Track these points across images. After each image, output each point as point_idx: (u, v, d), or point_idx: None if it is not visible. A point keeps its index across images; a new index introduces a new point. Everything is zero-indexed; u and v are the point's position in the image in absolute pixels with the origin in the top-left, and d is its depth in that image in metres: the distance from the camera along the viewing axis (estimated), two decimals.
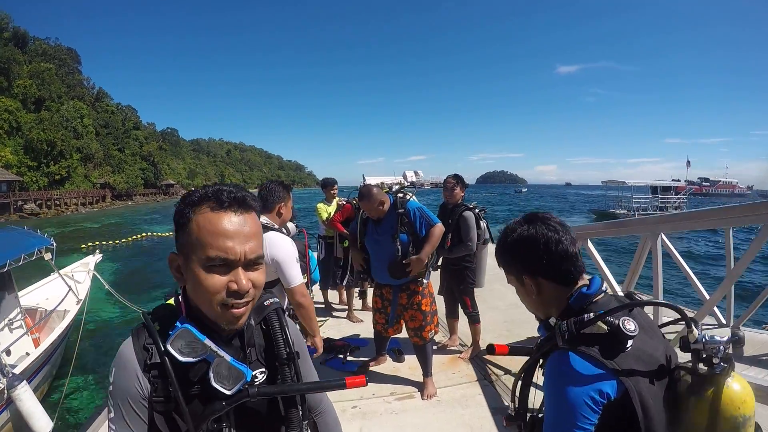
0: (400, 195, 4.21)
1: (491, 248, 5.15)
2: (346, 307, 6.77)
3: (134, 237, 27.52)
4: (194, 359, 1.07)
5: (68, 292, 7.83)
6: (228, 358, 1.08)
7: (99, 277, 9.12)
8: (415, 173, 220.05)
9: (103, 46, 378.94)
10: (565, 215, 45.27)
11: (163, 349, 1.06)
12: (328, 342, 5.28)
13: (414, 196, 4.41)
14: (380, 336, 4.61)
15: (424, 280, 4.16)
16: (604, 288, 1.37)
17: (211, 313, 1.09)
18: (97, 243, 24.41)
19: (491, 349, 1.66)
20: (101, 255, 9.97)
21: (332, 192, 6.90)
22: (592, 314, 1.23)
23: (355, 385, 1.26)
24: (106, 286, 8.95)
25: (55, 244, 7.48)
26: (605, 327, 1.19)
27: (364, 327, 5.97)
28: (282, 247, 2.89)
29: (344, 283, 6.61)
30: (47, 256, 7.11)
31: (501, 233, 1.48)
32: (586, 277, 1.38)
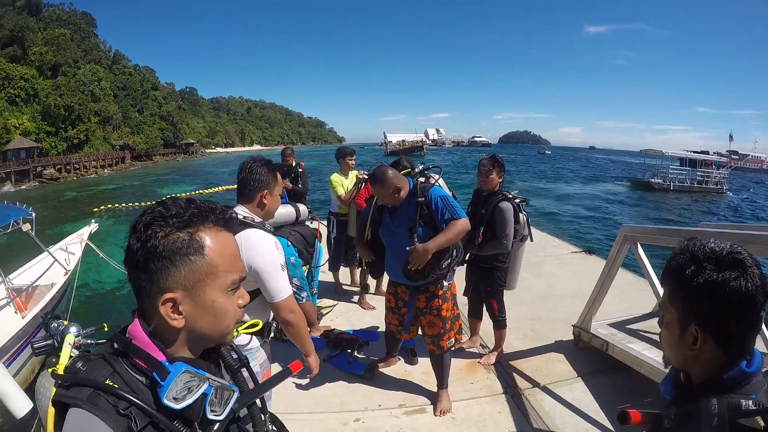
0: (422, 180, 3.55)
1: (529, 245, 4.49)
2: (358, 288, 6.15)
3: (149, 202, 26.96)
4: (193, 400, 0.92)
5: (53, 263, 7.46)
6: (225, 381, 1.04)
7: (92, 246, 8.78)
8: (437, 131, 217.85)
9: (119, 8, 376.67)
10: (596, 183, 44.25)
11: (158, 404, 0.91)
12: (334, 335, 4.85)
13: (440, 181, 3.69)
14: (392, 337, 4.06)
15: (446, 282, 3.53)
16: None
17: (220, 336, 1.06)
18: (110, 206, 24.70)
19: (625, 418, 1.22)
20: (97, 225, 9.62)
21: (349, 162, 6.05)
22: (751, 403, 0.99)
23: (296, 370, 1.48)
24: (101, 255, 8.63)
25: (33, 215, 7.20)
26: (762, 424, 0.96)
27: (377, 315, 5.36)
28: (263, 252, 2.28)
29: (363, 266, 5.81)
30: (25, 227, 6.74)
31: (689, 252, 1.12)
32: None
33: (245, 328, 1.97)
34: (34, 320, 6.10)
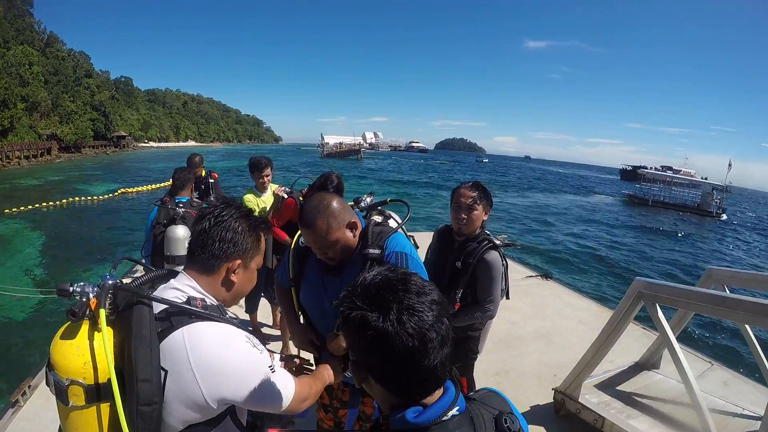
0: (378, 218, 2.43)
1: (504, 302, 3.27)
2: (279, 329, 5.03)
3: (66, 200, 24.30)
4: None
5: None
6: None
7: None
8: (375, 135, 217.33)
9: None
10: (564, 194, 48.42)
11: None
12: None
13: (402, 228, 2.22)
14: None
15: None
16: (450, 416, 0.94)
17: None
18: (22, 208, 21.29)
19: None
20: None
21: (262, 179, 4.77)
22: None
23: None
24: None
25: None
26: None
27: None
28: (236, 372, 1.27)
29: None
30: None
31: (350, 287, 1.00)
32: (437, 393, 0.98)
33: None
34: None
